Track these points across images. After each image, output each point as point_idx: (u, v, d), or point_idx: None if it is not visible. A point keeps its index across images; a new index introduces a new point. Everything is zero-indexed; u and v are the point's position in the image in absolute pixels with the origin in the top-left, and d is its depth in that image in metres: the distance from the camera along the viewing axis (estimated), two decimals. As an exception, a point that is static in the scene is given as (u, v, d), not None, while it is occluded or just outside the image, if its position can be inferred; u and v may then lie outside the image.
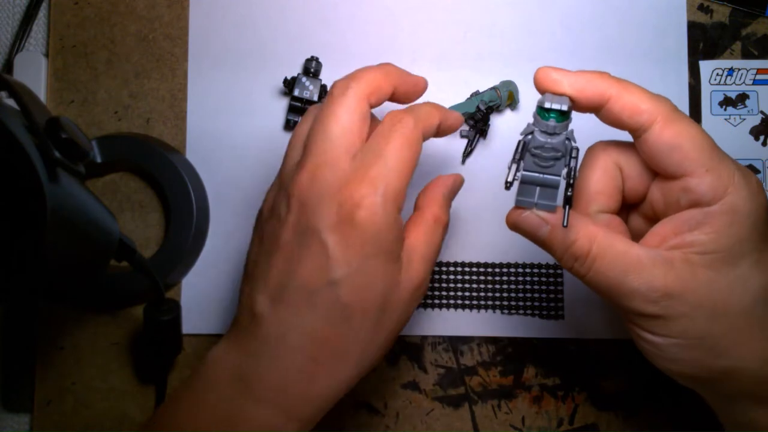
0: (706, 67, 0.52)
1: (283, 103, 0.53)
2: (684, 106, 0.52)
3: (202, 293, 0.53)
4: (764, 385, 0.37)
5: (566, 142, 0.36)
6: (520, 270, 0.52)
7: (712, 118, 0.52)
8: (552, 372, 0.52)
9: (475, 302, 0.52)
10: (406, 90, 0.41)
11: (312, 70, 0.52)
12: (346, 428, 0.52)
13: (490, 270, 0.52)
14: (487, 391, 0.52)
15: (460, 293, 0.52)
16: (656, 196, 0.39)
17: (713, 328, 0.36)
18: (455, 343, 0.52)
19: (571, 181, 0.36)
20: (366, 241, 0.37)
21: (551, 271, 0.52)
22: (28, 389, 0.53)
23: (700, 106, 0.52)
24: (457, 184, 0.44)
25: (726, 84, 0.52)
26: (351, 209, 0.37)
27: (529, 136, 0.36)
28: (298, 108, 0.52)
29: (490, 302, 0.52)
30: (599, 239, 0.37)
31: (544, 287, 0.52)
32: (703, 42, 0.52)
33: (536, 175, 0.36)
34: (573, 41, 0.53)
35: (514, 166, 0.36)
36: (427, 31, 0.53)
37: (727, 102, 0.52)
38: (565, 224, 0.36)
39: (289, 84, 0.52)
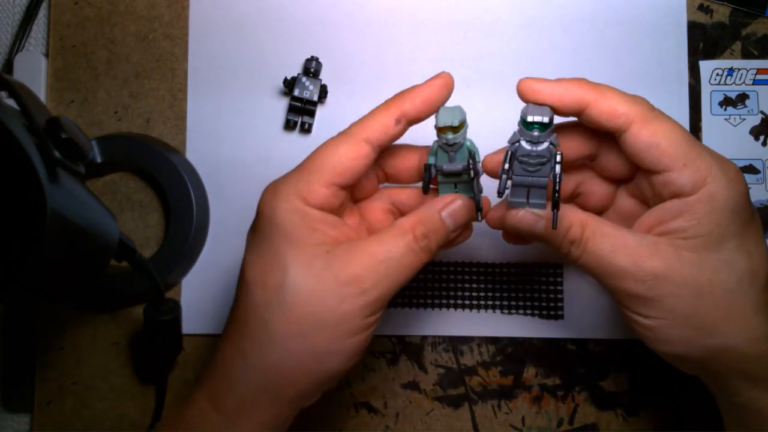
0: (706, 67, 0.52)
1: (283, 103, 0.53)
2: (684, 106, 0.52)
3: (202, 293, 0.53)
4: (754, 363, 0.39)
5: (550, 147, 0.39)
6: (520, 270, 0.52)
7: (712, 118, 0.52)
8: (552, 372, 0.52)
9: (475, 302, 0.52)
10: (417, 115, 0.40)
11: (312, 70, 0.52)
12: (346, 428, 0.52)
13: (490, 270, 0.52)
14: (487, 391, 0.52)
15: (460, 293, 0.52)
16: (644, 185, 0.41)
17: (700, 307, 0.38)
18: (455, 343, 0.52)
19: (557, 186, 0.38)
20: (264, 224, 0.40)
21: (551, 271, 0.52)
22: (28, 389, 0.53)
23: (700, 106, 0.52)
24: (458, 208, 0.42)
25: (726, 84, 0.52)
26: (265, 208, 0.40)
27: (516, 145, 0.39)
28: (298, 108, 0.52)
29: (490, 302, 0.52)
30: (590, 223, 0.39)
31: (543, 287, 0.52)
32: (703, 42, 0.52)
33: (526, 178, 0.39)
34: (573, 41, 0.53)
35: (504, 176, 0.39)
36: (427, 31, 0.53)
37: (727, 102, 0.52)
38: (554, 226, 0.39)
39: (289, 84, 0.52)
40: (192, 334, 0.52)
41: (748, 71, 0.52)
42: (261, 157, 0.53)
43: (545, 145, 0.39)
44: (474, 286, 0.52)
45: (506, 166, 0.39)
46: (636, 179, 0.42)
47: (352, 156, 0.39)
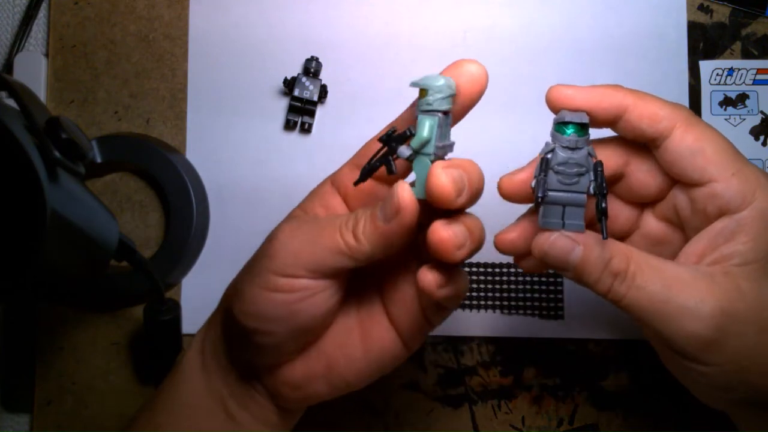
0: (706, 67, 0.52)
1: (283, 103, 0.53)
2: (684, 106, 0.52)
3: (202, 293, 0.53)
4: None
5: (588, 157, 0.35)
6: (520, 270, 0.52)
7: (712, 118, 0.52)
8: (552, 372, 0.52)
9: (475, 302, 0.52)
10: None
11: (312, 70, 0.52)
12: (346, 428, 0.52)
13: (490, 270, 0.52)
14: (487, 391, 0.52)
15: (460, 293, 0.52)
16: (681, 203, 0.37)
17: (765, 344, 0.34)
18: (455, 343, 0.52)
19: (604, 191, 0.34)
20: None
21: (551, 271, 0.52)
22: (28, 389, 0.53)
23: (700, 106, 0.52)
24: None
25: (726, 84, 0.52)
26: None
27: (550, 154, 0.35)
28: (298, 108, 0.52)
29: (490, 302, 0.52)
30: (635, 255, 0.34)
31: (544, 287, 0.52)
32: (703, 42, 0.52)
33: (561, 194, 0.34)
34: (573, 41, 0.53)
35: (539, 188, 0.34)
36: (427, 31, 0.53)
37: (727, 102, 0.52)
38: (605, 236, 0.34)
39: (289, 84, 0.52)
40: (192, 334, 0.52)
41: (748, 71, 0.52)
42: (261, 157, 0.53)
43: (583, 151, 0.35)
44: (474, 286, 0.52)
45: (542, 174, 0.34)
46: (669, 198, 0.38)
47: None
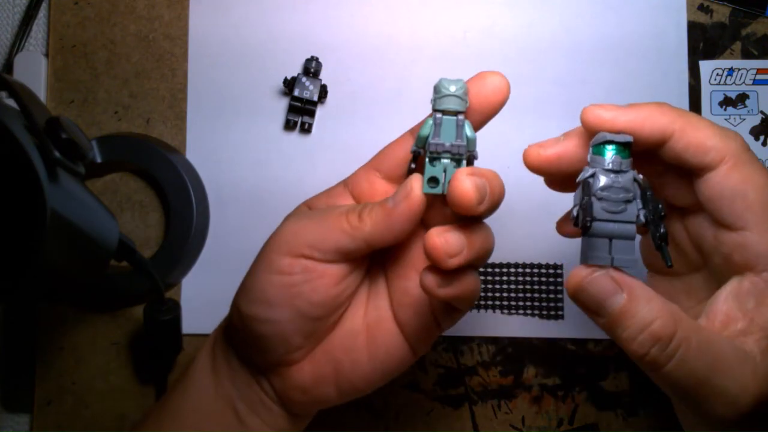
0: (706, 67, 0.52)
1: (283, 103, 0.53)
2: (684, 106, 0.52)
3: (202, 293, 0.53)
4: None
5: (634, 181, 0.31)
6: (520, 270, 0.52)
7: (712, 119, 0.52)
8: (552, 372, 0.52)
9: (475, 302, 0.52)
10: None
11: (312, 70, 0.52)
12: (346, 428, 0.52)
13: (490, 270, 0.52)
14: (487, 391, 0.52)
15: (460, 293, 0.52)
16: (708, 237, 0.34)
17: None
18: (455, 343, 0.52)
19: (662, 213, 0.31)
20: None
21: (551, 271, 0.52)
22: (28, 389, 0.53)
23: (700, 107, 0.52)
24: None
25: (726, 84, 0.52)
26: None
27: (591, 179, 0.31)
28: (298, 108, 0.52)
29: (490, 302, 0.52)
30: (684, 322, 0.31)
31: (544, 287, 0.52)
32: (703, 42, 0.52)
33: (608, 224, 0.30)
34: (573, 41, 0.53)
35: (586, 211, 0.31)
36: (427, 31, 0.53)
37: (727, 102, 0.52)
38: (669, 263, 0.31)
39: (289, 84, 0.52)
40: (192, 334, 0.52)
41: (748, 71, 0.52)
42: (261, 157, 0.53)
43: (629, 175, 0.31)
44: (474, 286, 0.52)
45: (585, 198, 0.31)
46: (696, 221, 0.35)
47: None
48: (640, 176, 0.32)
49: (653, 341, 0.30)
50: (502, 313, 0.52)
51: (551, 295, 0.52)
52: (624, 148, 0.32)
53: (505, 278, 0.52)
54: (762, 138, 0.52)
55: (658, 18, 0.52)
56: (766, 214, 0.32)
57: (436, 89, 0.36)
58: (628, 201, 0.31)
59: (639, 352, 0.31)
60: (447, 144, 0.35)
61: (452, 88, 0.35)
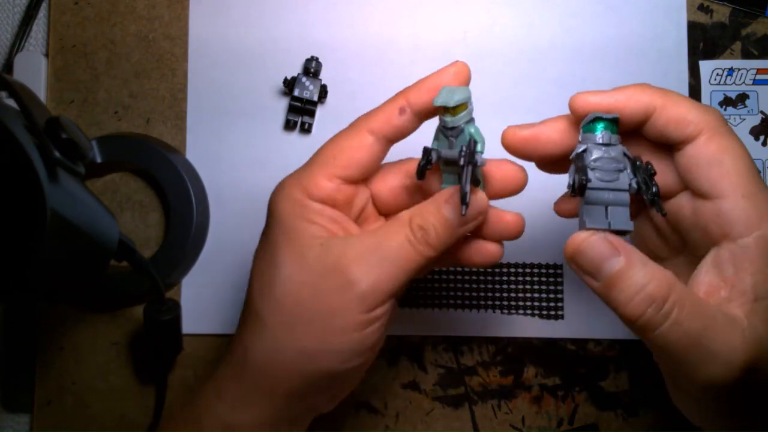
0: (706, 67, 0.52)
1: (283, 103, 0.53)
2: (684, 106, 0.52)
3: (202, 293, 0.53)
4: None
5: (623, 154, 0.34)
6: (520, 270, 0.52)
7: (712, 118, 0.52)
8: (552, 372, 0.52)
9: (475, 302, 0.52)
10: (423, 105, 0.38)
11: (312, 70, 0.52)
12: (346, 428, 0.52)
13: (490, 270, 0.52)
14: (487, 391, 0.52)
15: (460, 293, 0.52)
16: (686, 212, 0.35)
17: None
18: (455, 343, 0.52)
19: (652, 171, 0.32)
20: (268, 217, 0.39)
21: (551, 271, 0.52)
22: (28, 389, 0.53)
23: (700, 106, 0.52)
24: (457, 197, 0.37)
25: (726, 84, 0.52)
26: (270, 203, 0.39)
27: (584, 153, 0.33)
28: (298, 108, 0.52)
29: (490, 302, 0.52)
30: (677, 286, 0.32)
31: (544, 287, 0.52)
32: (703, 42, 0.52)
33: (603, 192, 0.32)
34: (573, 41, 0.53)
35: (581, 172, 0.33)
36: (427, 31, 0.53)
37: (727, 102, 0.52)
38: (663, 212, 0.32)
39: (289, 84, 0.52)
40: (192, 334, 0.52)
41: (748, 71, 0.52)
42: (261, 157, 0.53)
43: (618, 148, 0.33)
44: (474, 286, 0.52)
45: (580, 163, 0.33)
46: (675, 201, 0.36)
47: (354, 146, 0.38)
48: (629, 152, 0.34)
49: (648, 302, 0.31)
50: (502, 313, 0.52)
51: (551, 295, 0.52)
52: (612, 123, 0.34)
53: (505, 278, 0.52)
54: (762, 138, 0.52)
55: (658, 18, 0.52)
56: (740, 181, 0.33)
57: (463, 107, 0.36)
58: (620, 170, 0.33)
59: (634, 313, 0.31)
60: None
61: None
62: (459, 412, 0.52)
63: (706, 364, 0.31)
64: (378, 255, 0.36)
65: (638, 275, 0.32)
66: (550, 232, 0.50)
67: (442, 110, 0.36)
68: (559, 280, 0.52)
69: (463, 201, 0.34)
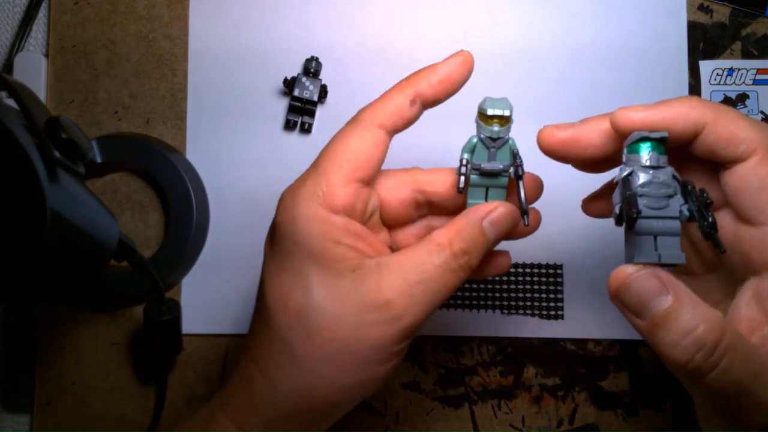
0: (706, 67, 0.52)
1: (283, 103, 0.53)
2: (684, 106, 0.52)
3: (202, 293, 0.53)
4: None
5: (673, 177, 0.31)
6: (520, 270, 0.52)
7: (712, 118, 0.52)
8: (552, 372, 0.52)
9: (475, 302, 0.52)
10: (434, 96, 0.37)
11: (312, 70, 0.52)
12: (346, 428, 0.52)
13: (490, 270, 0.52)
14: (487, 391, 0.52)
15: (460, 293, 0.52)
16: (727, 233, 0.33)
17: None
18: (455, 343, 0.52)
19: (708, 201, 0.29)
20: (283, 236, 0.35)
21: (551, 271, 0.52)
22: (28, 389, 0.53)
23: (700, 106, 0.52)
24: (501, 217, 0.35)
25: (726, 84, 0.52)
26: (284, 218, 0.35)
27: (630, 177, 0.31)
28: (298, 108, 0.52)
29: (490, 302, 0.52)
30: (728, 330, 0.29)
31: (544, 287, 0.52)
32: (703, 42, 0.52)
33: (653, 221, 0.30)
34: (573, 41, 0.53)
35: (631, 204, 0.30)
36: (426, 31, 0.53)
37: (727, 102, 0.52)
38: (722, 249, 0.29)
39: (289, 84, 0.52)
40: (192, 334, 0.52)
41: (748, 71, 0.52)
42: (261, 157, 0.53)
43: (668, 170, 0.30)
44: (474, 286, 0.52)
45: (627, 193, 0.30)
46: (718, 217, 0.34)
47: (368, 145, 0.35)
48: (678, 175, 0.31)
49: (697, 347, 0.29)
50: (502, 313, 0.52)
51: (551, 295, 0.52)
52: (660, 144, 0.31)
53: (505, 278, 0.52)
54: (762, 138, 0.52)
55: (659, 18, 0.52)
56: None
57: (510, 118, 0.35)
58: (670, 196, 0.30)
59: (682, 358, 0.29)
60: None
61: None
62: (459, 412, 0.52)
63: (752, 412, 0.29)
64: (420, 287, 0.34)
65: (687, 316, 0.29)
66: (550, 232, 0.50)
67: (488, 119, 0.35)
68: (559, 280, 0.52)
69: (524, 212, 0.34)
